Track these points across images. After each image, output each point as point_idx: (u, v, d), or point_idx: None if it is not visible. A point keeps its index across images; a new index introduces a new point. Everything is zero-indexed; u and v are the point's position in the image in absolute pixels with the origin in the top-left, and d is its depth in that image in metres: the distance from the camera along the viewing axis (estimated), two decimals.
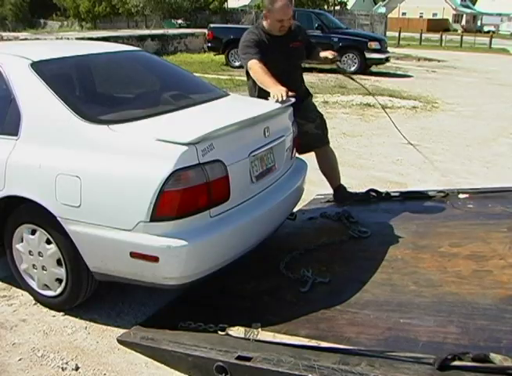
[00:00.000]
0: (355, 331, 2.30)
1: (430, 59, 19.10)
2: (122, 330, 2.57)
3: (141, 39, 17.54)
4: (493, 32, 35.92)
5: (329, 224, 3.58)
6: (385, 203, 3.99)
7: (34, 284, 2.82)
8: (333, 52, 3.80)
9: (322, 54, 3.81)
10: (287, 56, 3.55)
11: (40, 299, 2.82)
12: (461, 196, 3.95)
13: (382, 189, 4.21)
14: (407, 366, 1.96)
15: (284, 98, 3.00)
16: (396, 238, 3.26)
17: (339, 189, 3.98)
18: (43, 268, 2.72)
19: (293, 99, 3.09)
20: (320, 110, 4.04)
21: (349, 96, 9.99)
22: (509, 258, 2.79)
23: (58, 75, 2.92)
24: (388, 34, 24.45)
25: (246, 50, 3.43)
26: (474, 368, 1.89)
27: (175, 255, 2.32)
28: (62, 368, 2.34)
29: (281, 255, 3.10)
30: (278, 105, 3.00)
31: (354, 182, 4.77)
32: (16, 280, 2.91)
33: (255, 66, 3.32)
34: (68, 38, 15.06)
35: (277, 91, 3.05)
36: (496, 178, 5.07)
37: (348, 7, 39.84)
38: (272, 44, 3.49)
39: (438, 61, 18.74)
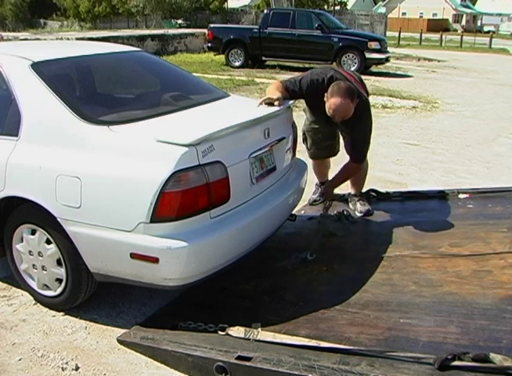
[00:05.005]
0: (355, 331, 2.30)
1: (430, 59, 19.08)
2: (122, 330, 2.57)
3: (141, 39, 17.52)
4: (493, 32, 35.89)
5: (330, 224, 3.58)
6: (385, 203, 4.00)
7: (34, 284, 2.82)
8: None
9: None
10: (330, 120, 3.39)
11: (40, 299, 2.82)
12: (461, 196, 3.95)
13: (382, 189, 4.22)
14: (407, 366, 1.96)
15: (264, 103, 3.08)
16: (396, 238, 3.26)
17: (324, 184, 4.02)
18: (43, 268, 2.72)
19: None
20: None
21: None
22: (509, 258, 2.79)
23: (58, 76, 2.92)
24: (388, 34, 24.42)
25: (297, 79, 3.37)
26: (474, 368, 1.89)
27: (175, 256, 2.32)
28: (62, 368, 2.35)
29: (281, 255, 3.11)
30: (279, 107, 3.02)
31: None
32: (16, 280, 2.91)
33: (273, 83, 3.38)
34: (68, 38, 15.06)
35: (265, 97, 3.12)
36: (496, 178, 5.07)
37: (348, 7, 39.82)
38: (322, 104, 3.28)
39: (438, 61, 18.72)
